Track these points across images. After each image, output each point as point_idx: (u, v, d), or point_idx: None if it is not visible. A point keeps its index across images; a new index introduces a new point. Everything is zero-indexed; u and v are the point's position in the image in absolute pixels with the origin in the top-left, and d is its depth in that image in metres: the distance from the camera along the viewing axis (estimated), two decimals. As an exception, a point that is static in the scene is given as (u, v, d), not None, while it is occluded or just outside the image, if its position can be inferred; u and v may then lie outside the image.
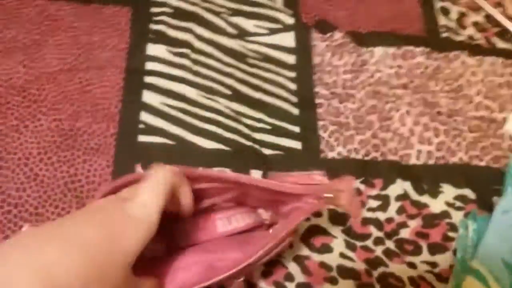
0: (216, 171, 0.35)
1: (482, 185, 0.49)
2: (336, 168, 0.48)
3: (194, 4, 0.55)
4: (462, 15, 0.60)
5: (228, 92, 0.51)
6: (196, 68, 0.51)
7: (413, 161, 0.50)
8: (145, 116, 0.48)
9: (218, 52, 0.53)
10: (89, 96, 0.47)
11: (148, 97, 0.49)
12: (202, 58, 0.52)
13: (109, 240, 0.26)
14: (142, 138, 0.46)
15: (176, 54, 0.52)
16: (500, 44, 0.59)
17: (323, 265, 0.44)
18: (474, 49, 0.57)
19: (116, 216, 0.27)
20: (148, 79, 0.50)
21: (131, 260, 0.27)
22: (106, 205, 0.28)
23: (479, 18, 0.60)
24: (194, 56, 0.52)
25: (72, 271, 0.24)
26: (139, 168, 0.45)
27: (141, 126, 0.47)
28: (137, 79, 0.50)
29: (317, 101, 0.53)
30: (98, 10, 0.53)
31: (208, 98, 0.50)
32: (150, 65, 0.51)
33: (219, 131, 0.48)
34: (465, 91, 0.55)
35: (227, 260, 0.35)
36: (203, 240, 0.38)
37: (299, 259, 0.44)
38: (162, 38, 0.52)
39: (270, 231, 0.39)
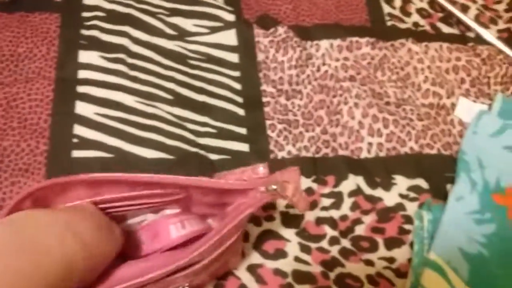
0: (151, 176, 0.33)
1: (435, 173, 0.48)
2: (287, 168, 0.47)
3: (128, 6, 0.52)
4: (406, 2, 0.59)
5: (169, 96, 0.48)
6: (133, 73, 0.49)
7: (364, 154, 0.49)
8: (78, 129, 0.45)
9: (157, 55, 0.50)
10: (15, 111, 0.44)
11: (82, 108, 0.46)
12: (139, 63, 0.49)
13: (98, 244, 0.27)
14: (76, 153, 0.43)
15: (110, 60, 0.49)
16: (445, 29, 0.58)
17: (277, 271, 0.42)
18: (419, 35, 0.57)
19: (105, 225, 0.29)
20: (81, 89, 0.47)
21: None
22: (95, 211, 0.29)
23: (423, 4, 0.60)
24: (130, 61, 0.49)
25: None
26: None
27: (75, 140, 0.44)
28: (69, 90, 0.46)
29: (264, 99, 0.51)
30: (23, 18, 0.50)
31: (148, 105, 0.47)
32: (82, 74, 0.47)
33: (161, 139, 0.46)
34: (412, 79, 0.54)
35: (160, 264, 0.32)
36: (157, 248, 0.35)
37: (252, 268, 0.42)
38: (95, 44, 0.49)
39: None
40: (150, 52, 0.50)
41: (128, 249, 0.34)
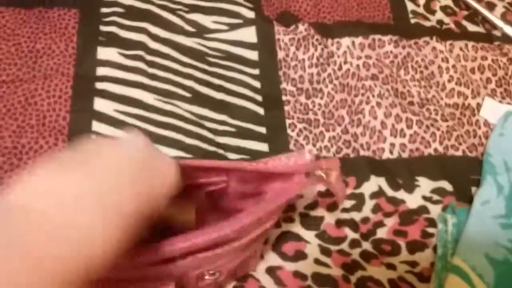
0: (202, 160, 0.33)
1: (459, 175, 0.47)
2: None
3: (147, 2, 0.52)
4: (430, 0, 0.58)
5: (188, 94, 0.48)
6: (152, 70, 0.48)
7: (386, 155, 0.48)
8: (97, 126, 0.44)
9: (175, 52, 0.50)
10: (34, 109, 0.44)
11: (100, 104, 0.45)
12: (158, 60, 0.49)
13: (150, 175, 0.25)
14: (94, 150, 0.43)
15: (129, 56, 0.48)
16: (470, 27, 0.56)
17: (297, 274, 0.41)
18: (443, 34, 0.55)
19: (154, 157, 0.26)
20: (100, 85, 0.46)
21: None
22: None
23: (447, 1, 0.58)
24: (149, 58, 0.49)
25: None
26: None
27: (94, 137, 0.44)
28: (88, 86, 0.46)
29: (284, 98, 0.50)
30: (42, 14, 0.49)
31: (166, 102, 0.47)
32: (101, 70, 0.47)
33: (179, 137, 0.45)
34: (436, 78, 0.52)
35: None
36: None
37: (271, 271, 0.41)
38: (113, 40, 0.49)
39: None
40: (169, 49, 0.49)
41: None
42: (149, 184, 0.25)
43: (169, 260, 0.28)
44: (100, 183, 0.23)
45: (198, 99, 0.48)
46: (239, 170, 0.33)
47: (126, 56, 0.48)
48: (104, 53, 0.48)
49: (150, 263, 0.28)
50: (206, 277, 0.33)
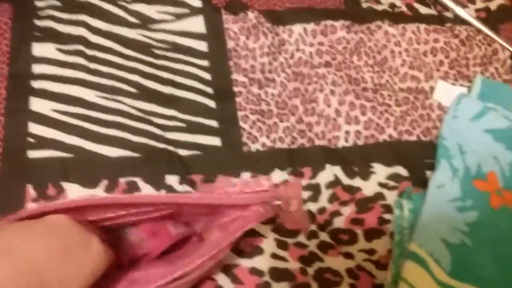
0: (143, 195, 0.31)
1: (414, 160, 0.47)
2: (261, 161, 0.44)
3: (86, -7, 0.49)
4: (381, -17, 0.57)
5: (133, 90, 0.45)
6: (93, 66, 0.45)
7: (342, 143, 0.47)
8: (34, 128, 0.41)
9: (118, 46, 0.47)
10: (-37, 112, 0.41)
11: (37, 104, 0.42)
12: (99, 54, 0.46)
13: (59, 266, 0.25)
14: (32, 153, 0.40)
15: (68, 52, 0.46)
16: (422, 9, 0.56)
17: (254, 271, 0.40)
18: (396, 17, 0.55)
19: (76, 241, 0.26)
20: (36, 84, 0.43)
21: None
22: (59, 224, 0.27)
23: (398, -16, 0.57)
24: (89, 52, 0.46)
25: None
26: (30, 190, 0.39)
27: (30, 139, 0.41)
28: (23, 85, 0.43)
29: (235, 89, 0.48)
30: (-29, 10, 0.46)
31: (110, 99, 0.44)
32: (37, 68, 0.44)
33: (126, 135, 0.43)
34: (389, 63, 0.52)
35: (150, 276, 0.30)
36: (158, 245, 0.34)
37: (227, 269, 0.40)
38: (50, 36, 0.46)
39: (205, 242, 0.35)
40: (111, 43, 0.47)
41: (124, 251, 0.32)
42: (73, 268, 0.25)
43: None
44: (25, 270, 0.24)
45: (145, 94, 0.45)
46: (187, 204, 0.31)
47: (65, 52, 0.46)
48: (40, 49, 0.45)
49: None
50: None
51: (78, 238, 0.27)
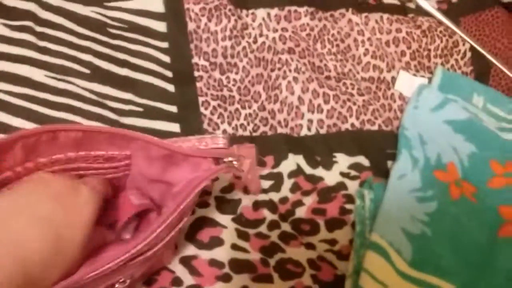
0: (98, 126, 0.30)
1: (376, 150, 0.47)
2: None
3: (35, -35, 0.45)
4: (345, -30, 0.56)
5: (86, 70, 0.43)
6: (43, 43, 0.42)
7: (304, 132, 0.46)
8: (-25, 109, 0.38)
9: (70, 23, 0.44)
10: None
11: (-21, 84, 0.39)
12: (49, 31, 0.43)
13: (64, 213, 0.26)
14: (-28, 137, 0.37)
15: (15, 28, 0.42)
16: (385, -1, 0.56)
17: (213, 262, 0.39)
18: (359, 6, 0.54)
19: (66, 190, 0.27)
20: (-22, 62, 0.40)
21: (86, 233, 0.27)
22: (51, 179, 0.28)
23: (362, -28, 0.57)
24: (39, 29, 0.43)
25: (34, 245, 0.24)
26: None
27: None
28: (-37, 63, 0.39)
29: (196, 74, 0.46)
30: None
31: (60, 80, 0.41)
32: (-20, 44, 0.40)
33: (77, 119, 0.40)
34: (353, 52, 0.51)
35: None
36: (122, 219, 0.32)
37: (186, 260, 0.38)
38: (-6, 9, 0.42)
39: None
40: (63, 19, 0.44)
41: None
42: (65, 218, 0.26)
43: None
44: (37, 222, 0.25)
45: (99, 75, 0.43)
46: (144, 141, 0.29)
47: (12, 27, 0.42)
48: (-17, 23, 0.41)
49: None
50: (117, 285, 0.29)
51: (66, 186, 0.27)
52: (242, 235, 0.40)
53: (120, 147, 0.30)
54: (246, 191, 0.42)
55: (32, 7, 0.43)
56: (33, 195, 0.26)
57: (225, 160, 0.30)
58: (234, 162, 0.30)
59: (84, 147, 0.29)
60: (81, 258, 0.27)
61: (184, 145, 0.31)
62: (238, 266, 0.39)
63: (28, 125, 0.39)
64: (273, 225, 0.41)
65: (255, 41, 0.49)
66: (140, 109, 0.43)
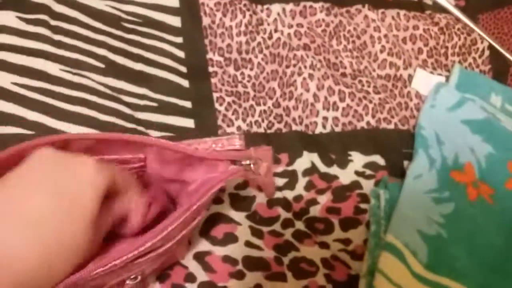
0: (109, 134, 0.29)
1: (392, 149, 0.46)
2: (236, 145, 0.42)
3: (50, -43, 0.45)
4: (361, -35, 0.55)
5: (101, 65, 0.42)
6: (58, 37, 0.42)
7: (319, 129, 0.45)
8: (-8, 102, 0.38)
9: (85, 17, 0.44)
10: None
11: (-5, 77, 0.39)
12: (64, 25, 0.43)
13: (65, 208, 0.24)
14: (-11, 130, 0.37)
15: (30, 21, 0.42)
16: (402, -5, 0.55)
17: (227, 259, 0.39)
18: (376, 1, 0.53)
19: (65, 179, 0.25)
20: (-6, 55, 0.40)
21: (91, 221, 0.25)
22: (46, 166, 0.25)
23: (379, -32, 0.56)
24: (54, 22, 0.42)
25: (29, 250, 0.23)
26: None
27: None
28: (-21, 56, 0.39)
29: (210, 69, 0.46)
30: None
31: (75, 74, 0.41)
32: (-5, 37, 0.40)
33: (92, 113, 0.40)
34: (369, 49, 0.50)
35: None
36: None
37: (199, 256, 0.38)
38: (11, 3, 0.42)
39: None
40: (77, 13, 0.43)
41: None
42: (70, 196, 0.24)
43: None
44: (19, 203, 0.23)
45: (113, 70, 0.42)
46: (158, 146, 0.29)
47: (27, 21, 0.42)
48: (0, 17, 0.41)
49: None
50: (127, 282, 0.29)
51: (67, 165, 0.25)
52: (256, 233, 0.40)
53: (134, 151, 0.30)
54: (260, 188, 0.41)
55: (47, 0, 0.43)
56: (27, 189, 0.24)
57: (243, 163, 0.29)
58: (251, 165, 0.30)
59: (97, 152, 0.29)
60: (91, 246, 0.25)
61: (200, 146, 0.30)
62: (252, 263, 0.39)
63: (44, 119, 0.38)
64: (287, 223, 0.41)
65: (270, 37, 0.48)
66: (155, 104, 0.43)
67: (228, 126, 0.44)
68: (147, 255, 0.28)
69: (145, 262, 0.29)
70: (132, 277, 0.30)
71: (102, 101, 0.41)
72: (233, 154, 0.30)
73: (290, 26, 0.49)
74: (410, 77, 0.50)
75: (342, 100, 0.46)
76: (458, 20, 0.53)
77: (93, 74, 0.41)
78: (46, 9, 0.42)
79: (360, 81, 0.48)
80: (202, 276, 0.38)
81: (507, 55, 0.53)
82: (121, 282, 0.30)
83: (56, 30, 0.42)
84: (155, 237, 0.27)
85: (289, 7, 0.50)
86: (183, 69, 0.45)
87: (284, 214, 0.41)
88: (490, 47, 0.53)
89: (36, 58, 0.40)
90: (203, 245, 0.39)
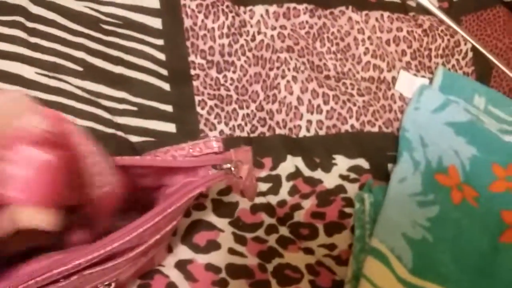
0: None
1: (376, 152, 0.46)
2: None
3: (26, -43, 0.43)
4: (345, -33, 0.55)
5: (79, 68, 0.41)
6: (34, 40, 0.41)
7: (303, 133, 0.45)
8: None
9: (62, 18, 0.42)
10: None
11: (-33, 82, 0.37)
12: (41, 27, 0.41)
13: None
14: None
15: (5, 23, 0.40)
16: (386, -3, 0.55)
17: (210, 267, 0.38)
18: (359, 3, 0.53)
19: None
20: (-34, 58, 0.38)
21: None
22: None
23: (362, -31, 0.55)
24: (30, 24, 0.41)
25: None
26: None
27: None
28: (-51, 59, 0.38)
29: (192, 72, 0.45)
30: None
31: (52, 77, 0.40)
32: (-33, 40, 0.39)
33: (70, 118, 0.39)
34: (352, 51, 0.50)
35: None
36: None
37: (181, 265, 0.37)
38: (-17, 3, 0.41)
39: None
40: (54, 15, 0.42)
41: None
42: None
43: (46, 284, 0.23)
44: None
45: (92, 73, 0.41)
46: (133, 166, 0.28)
47: (1, 23, 0.40)
48: (-29, 18, 0.40)
49: None
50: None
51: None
52: (239, 239, 0.39)
53: None
54: (243, 194, 0.41)
55: (23, 1, 0.42)
56: None
57: (224, 166, 0.28)
58: (232, 169, 0.29)
59: None
60: None
61: (178, 153, 0.30)
62: (235, 271, 0.38)
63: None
64: (271, 229, 0.40)
65: (253, 39, 0.47)
66: (135, 108, 0.42)
67: (211, 130, 0.43)
68: (116, 258, 0.27)
69: (116, 267, 0.27)
70: (105, 283, 0.29)
71: (80, 105, 0.39)
72: (212, 158, 0.29)
73: (274, 28, 0.49)
74: (394, 79, 0.50)
75: (326, 103, 0.46)
76: (441, 22, 0.53)
77: (70, 78, 0.40)
78: (22, 11, 0.41)
79: (344, 84, 0.48)
80: (184, 285, 0.37)
81: (490, 56, 0.53)
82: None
83: (32, 32, 0.41)
84: (122, 238, 0.25)
85: (273, 8, 0.50)
86: (164, 72, 0.44)
87: (268, 220, 0.41)
88: (474, 48, 0.53)
89: (11, 61, 0.39)
90: (185, 253, 0.38)
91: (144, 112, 0.42)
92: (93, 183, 0.25)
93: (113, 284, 0.29)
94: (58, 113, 0.23)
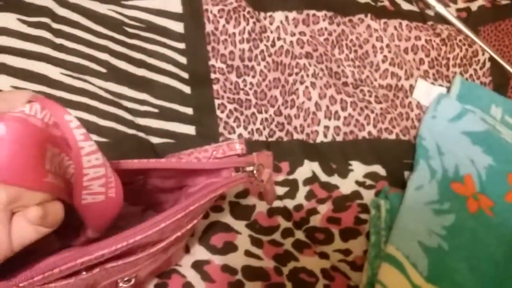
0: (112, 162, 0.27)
1: (393, 159, 0.46)
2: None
3: (53, -40, 0.44)
4: (364, -25, 0.55)
5: (102, 69, 0.42)
6: (59, 41, 0.41)
7: (320, 138, 0.45)
8: (-10, 106, 0.37)
9: (87, 21, 0.43)
10: None
11: (-5, 80, 0.38)
12: (66, 29, 0.42)
13: None
14: (-13, 135, 0.36)
15: (32, 24, 0.41)
16: (404, 5, 0.55)
17: (226, 268, 0.38)
18: (378, 11, 0.53)
19: None
20: (-6, 58, 0.39)
21: None
22: None
23: (382, -22, 0.56)
24: (55, 26, 0.42)
25: None
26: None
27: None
28: (-21, 58, 0.39)
29: (212, 76, 0.46)
30: None
31: (76, 78, 0.41)
32: (-4, 40, 0.40)
33: (92, 118, 0.40)
34: (371, 58, 0.50)
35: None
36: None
37: (198, 265, 0.38)
38: (12, 5, 0.41)
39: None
40: (79, 17, 0.43)
41: None
42: None
43: (70, 275, 0.24)
44: None
45: (115, 75, 0.42)
46: (157, 169, 0.28)
47: (28, 24, 0.41)
48: (1, 19, 0.41)
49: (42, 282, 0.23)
50: (120, 284, 0.28)
51: None
52: (255, 242, 0.40)
53: (131, 176, 0.29)
54: (261, 197, 0.41)
55: (49, 3, 0.43)
56: None
57: (246, 169, 0.29)
58: (254, 172, 0.29)
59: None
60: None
61: (201, 155, 0.30)
62: (251, 273, 0.38)
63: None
64: (287, 233, 0.41)
65: (273, 45, 0.48)
66: (156, 110, 0.42)
67: (230, 133, 0.43)
68: (137, 253, 0.27)
69: (137, 262, 0.28)
70: (125, 279, 0.29)
71: (103, 106, 0.40)
72: (236, 160, 0.30)
73: (293, 34, 0.49)
74: (412, 87, 0.50)
75: (343, 109, 0.46)
76: (459, 31, 0.53)
77: (94, 79, 0.41)
78: (48, 12, 0.42)
79: (361, 91, 0.48)
80: (200, 285, 0.37)
81: (508, 67, 0.53)
82: (113, 284, 0.29)
83: (58, 33, 0.42)
84: (145, 232, 0.25)
85: (292, 15, 0.50)
86: (185, 75, 0.45)
87: (284, 224, 0.41)
88: (491, 59, 0.53)
89: (37, 61, 0.40)
90: (202, 254, 0.38)
91: (165, 114, 0.42)
92: (87, 185, 0.24)
93: (132, 280, 0.29)
94: (55, 103, 0.22)
